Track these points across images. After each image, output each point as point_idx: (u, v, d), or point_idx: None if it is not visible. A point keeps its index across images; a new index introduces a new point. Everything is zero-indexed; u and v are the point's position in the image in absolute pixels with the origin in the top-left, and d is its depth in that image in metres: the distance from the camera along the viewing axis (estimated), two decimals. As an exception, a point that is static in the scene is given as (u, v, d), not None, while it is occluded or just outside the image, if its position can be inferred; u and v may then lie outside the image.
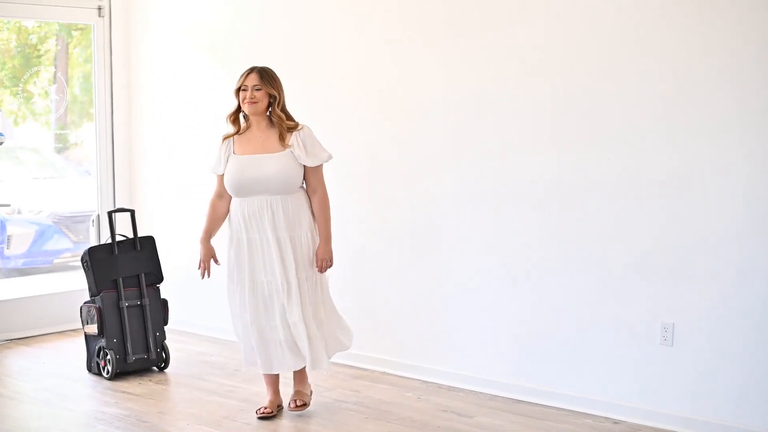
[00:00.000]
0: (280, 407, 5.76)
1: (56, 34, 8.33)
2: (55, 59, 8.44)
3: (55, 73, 8.35)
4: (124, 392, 6.20)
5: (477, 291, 6.18)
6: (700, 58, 5.24)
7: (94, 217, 8.05)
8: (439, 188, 6.31)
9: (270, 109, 5.59)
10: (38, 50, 8.31)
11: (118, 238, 6.69)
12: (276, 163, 5.50)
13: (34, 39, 8.27)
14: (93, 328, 6.51)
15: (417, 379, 6.41)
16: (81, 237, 8.63)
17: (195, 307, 7.76)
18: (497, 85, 6.01)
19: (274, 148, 5.54)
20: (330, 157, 5.63)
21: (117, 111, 8.04)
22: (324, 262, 5.63)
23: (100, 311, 6.47)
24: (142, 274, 6.70)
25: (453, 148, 6.24)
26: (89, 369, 6.64)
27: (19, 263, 8.57)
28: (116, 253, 6.62)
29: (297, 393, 5.73)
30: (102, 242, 6.89)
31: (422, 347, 6.47)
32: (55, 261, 8.77)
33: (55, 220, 8.70)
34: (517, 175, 5.97)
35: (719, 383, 5.30)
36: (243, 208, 5.57)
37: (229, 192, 5.61)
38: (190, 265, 7.85)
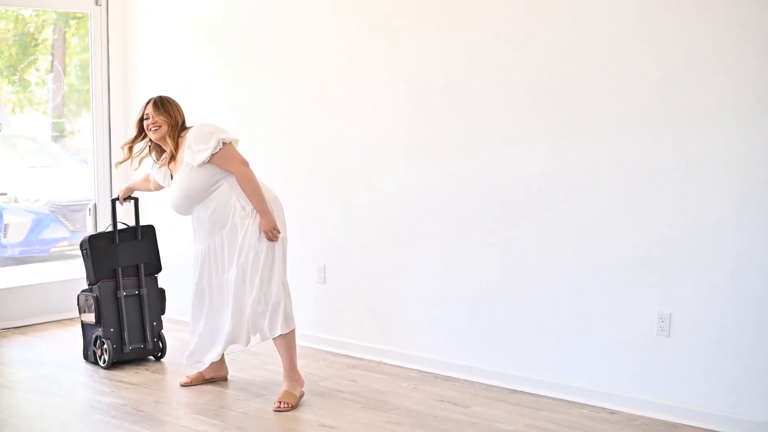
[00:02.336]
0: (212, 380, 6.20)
1: (53, 23, 8.31)
2: (52, 48, 8.42)
3: (53, 61, 8.33)
4: (120, 381, 6.19)
5: (473, 281, 6.18)
6: (699, 51, 5.23)
7: (90, 205, 8.04)
8: (436, 179, 6.30)
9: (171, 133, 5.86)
10: (36, 39, 8.29)
11: (119, 227, 6.66)
12: (179, 181, 5.80)
13: (31, 28, 8.25)
14: (90, 317, 6.49)
15: (413, 369, 6.41)
16: (78, 226, 8.62)
17: (185, 294, 7.74)
18: (491, 75, 6.00)
19: (180, 164, 5.81)
20: (219, 143, 5.70)
21: (114, 100, 8.02)
22: (269, 233, 5.70)
23: (97, 300, 6.44)
24: (141, 264, 6.66)
25: (449, 139, 6.23)
26: (86, 357, 6.63)
27: (15, 252, 8.55)
28: (117, 242, 6.56)
29: (285, 394, 5.72)
30: (102, 230, 6.81)
31: (418, 337, 6.46)
32: (52, 250, 8.76)
33: (52, 209, 8.68)
34: (513, 166, 5.96)
35: (716, 373, 5.30)
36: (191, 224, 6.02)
37: None
38: (185, 254, 7.86)
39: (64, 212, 8.72)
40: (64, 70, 8.34)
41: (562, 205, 5.78)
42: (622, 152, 5.55)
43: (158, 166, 5.98)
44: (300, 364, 5.95)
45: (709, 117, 5.22)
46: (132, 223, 6.80)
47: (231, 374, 6.28)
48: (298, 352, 5.95)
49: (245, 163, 5.73)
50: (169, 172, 5.91)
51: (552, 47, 5.77)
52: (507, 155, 5.99)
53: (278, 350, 5.79)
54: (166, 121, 5.81)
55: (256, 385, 6.07)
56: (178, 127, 5.85)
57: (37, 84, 8.22)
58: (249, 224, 5.70)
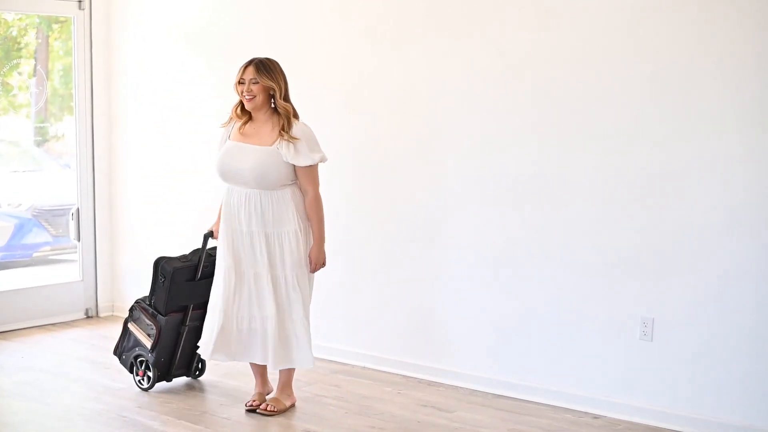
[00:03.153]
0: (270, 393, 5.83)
1: (36, 27, 8.29)
2: (35, 52, 8.39)
3: (35, 66, 8.30)
4: (104, 387, 6.17)
5: (458, 286, 6.18)
6: (685, 58, 5.25)
7: (73, 210, 8.02)
8: (419, 183, 6.30)
9: (273, 102, 5.45)
10: (18, 43, 8.26)
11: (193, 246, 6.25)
12: (255, 157, 5.37)
13: (14, 32, 8.22)
14: (144, 338, 6.04)
15: (397, 374, 6.41)
16: (61, 231, 8.60)
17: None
18: (480, 80, 6.01)
19: (262, 140, 5.41)
20: (322, 159, 5.45)
21: (97, 104, 8.00)
22: (316, 264, 5.53)
23: (160, 331, 5.97)
24: None
25: (436, 143, 6.23)
26: (118, 356, 6.24)
27: (-2, 257, 8.54)
28: (198, 278, 6.05)
29: (274, 399, 5.69)
30: (185, 257, 6.13)
31: (402, 342, 6.46)
32: (35, 255, 8.73)
33: (35, 214, 8.65)
34: (499, 170, 5.97)
35: (698, 378, 5.32)
36: (227, 196, 5.54)
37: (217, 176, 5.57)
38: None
39: (47, 217, 8.69)
40: (47, 74, 8.31)
41: (546, 209, 5.79)
42: (607, 157, 5.56)
43: (227, 125, 5.62)
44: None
45: (692, 123, 5.24)
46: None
47: (215, 379, 6.27)
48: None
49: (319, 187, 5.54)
50: (229, 133, 5.56)
51: (539, 51, 5.78)
52: (490, 158, 5.99)
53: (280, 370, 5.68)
54: (268, 87, 5.40)
55: (240, 390, 6.05)
56: (282, 96, 5.42)
57: (19, 88, 8.20)
58: (301, 242, 5.44)
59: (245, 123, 5.50)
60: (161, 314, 5.96)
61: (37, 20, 8.24)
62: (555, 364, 5.82)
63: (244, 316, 5.51)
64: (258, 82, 5.37)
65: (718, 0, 5.13)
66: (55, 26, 8.28)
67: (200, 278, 6.02)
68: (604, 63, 5.52)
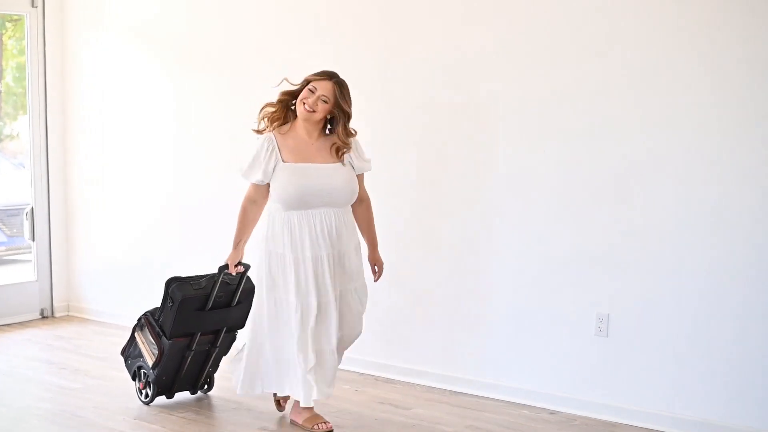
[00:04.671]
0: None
1: (-10, 25, 8.23)
2: (-12, 50, 8.33)
3: (-11, 64, 8.23)
4: (59, 387, 6.12)
5: (413, 282, 6.19)
6: (663, 54, 5.27)
7: (27, 210, 7.96)
8: (380, 183, 6.30)
9: (330, 124, 5.19)
10: (-29, 41, 8.20)
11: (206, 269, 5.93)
12: (342, 174, 5.11)
13: (-33, 30, 8.16)
14: (146, 353, 5.73)
15: (353, 371, 6.41)
16: (15, 230, 8.53)
17: (128, 300, 7.71)
18: (456, 83, 6.02)
19: (331, 158, 5.13)
20: (371, 165, 5.33)
21: (51, 103, 7.95)
22: (381, 269, 5.44)
23: (162, 354, 5.65)
24: (225, 327, 5.84)
25: (384, 139, 6.24)
26: (125, 359, 5.95)
27: (-49, 257, 8.47)
28: (208, 308, 5.68)
29: (316, 415, 5.33)
30: (196, 284, 5.70)
31: (358, 340, 6.45)
32: (-11, 255, 8.67)
33: (-11, 213, 8.59)
34: (458, 166, 5.98)
35: (653, 373, 5.35)
36: (305, 222, 5.07)
37: (284, 203, 5.06)
38: (124, 258, 7.82)
39: (1, 217, 8.62)
40: (0, 72, 8.24)
41: (502, 206, 5.81)
42: (563, 155, 5.59)
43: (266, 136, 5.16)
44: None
45: (649, 121, 5.27)
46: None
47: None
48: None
49: None
50: (274, 152, 5.10)
51: (516, 49, 5.80)
52: (450, 157, 6.00)
53: None
54: (333, 112, 5.10)
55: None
56: (346, 119, 5.12)
57: (-28, 87, 8.13)
58: (360, 253, 5.28)
59: (283, 134, 5.14)
60: (166, 337, 5.62)
61: (-10, 18, 8.17)
62: (511, 360, 5.84)
63: (324, 343, 5.16)
64: (328, 102, 5.07)
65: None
66: (8, 24, 8.21)
67: (211, 308, 5.67)
68: (575, 58, 5.54)
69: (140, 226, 7.66)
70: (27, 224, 7.97)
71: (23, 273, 8.14)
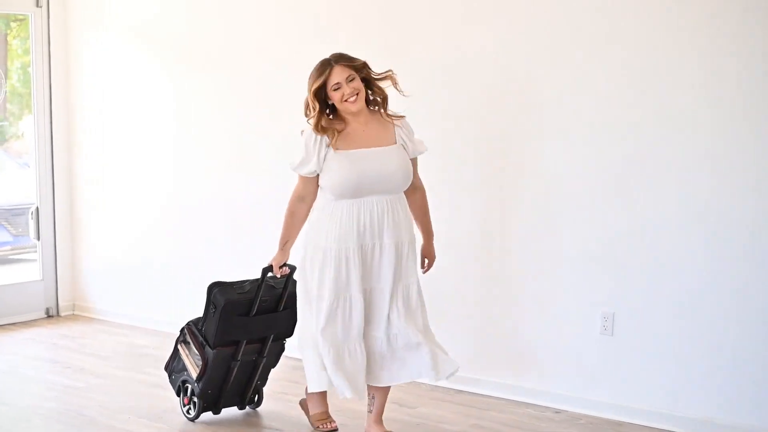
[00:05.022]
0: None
1: (-6, 25, 8.23)
2: (-7, 50, 8.34)
3: (-6, 64, 8.24)
4: (64, 386, 6.12)
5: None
6: (657, 54, 5.27)
7: (33, 209, 7.96)
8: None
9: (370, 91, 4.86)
10: (-24, 41, 8.21)
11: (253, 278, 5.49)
12: (397, 157, 4.79)
13: (-29, 30, 8.16)
14: (190, 365, 5.42)
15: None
16: (21, 230, 8.53)
17: (133, 299, 7.72)
18: (440, 74, 6.02)
19: (384, 140, 4.83)
20: (424, 146, 4.99)
21: (56, 103, 7.95)
22: (433, 261, 5.17)
23: (206, 364, 5.33)
24: (272, 335, 5.50)
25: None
26: (166, 371, 5.67)
27: (-43, 256, 8.47)
28: (253, 314, 5.34)
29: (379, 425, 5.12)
30: (239, 288, 5.39)
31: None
32: (-5, 254, 8.68)
33: (-6, 213, 8.59)
34: (458, 166, 5.97)
35: (658, 372, 5.34)
36: (355, 211, 4.76)
37: (336, 192, 4.74)
38: (129, 257, 7.83)
39: (6, 216, 8.61)
40: (5, 72, 8.24)
41: (506, 205, 5.80)
42: (568, 156, 5.58)
43: (320, 144, 4.78)
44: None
45: (652, 123, 5.27)
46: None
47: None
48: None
49: None
50: (324, 148, 4.77)
51: (516, 49, 5.80)
52: (453, 155, 6.00)
53: (381, 393, 5.08)
54: (364, 77, 4.81)
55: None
56: (373, 78, 4.84)
57: (-23, 87, 8.13)
58: (415, 246, 4.94)
59: (341, 131, 4.79)
60: (209, 346, 5.31)
61: (-5, 18, 8.18)
62: (517, 359, 5.83)
63: (381, 336, 4.86)
64: (354, 78, 4.76)
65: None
66: (13, 24, 8.21)
67: (256, 313, 5.34)
68: (573, 55, 5.53)
69: (143, 225, 7.66)
70: (32, 224, 7.97)
71: (28, 272, 8.14)
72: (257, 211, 6.94)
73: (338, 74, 4.73)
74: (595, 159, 5.46)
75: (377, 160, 4.75)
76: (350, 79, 4.73)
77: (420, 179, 4.99)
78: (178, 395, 5.54)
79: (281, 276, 5.13)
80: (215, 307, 5.26)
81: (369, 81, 4.83)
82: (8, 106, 8.35)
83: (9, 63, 8.35)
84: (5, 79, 8.20)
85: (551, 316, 5.69)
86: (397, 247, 4.80)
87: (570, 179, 5.57)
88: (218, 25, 7.08)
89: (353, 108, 4.74)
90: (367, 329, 4.86)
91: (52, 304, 8.08)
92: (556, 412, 5.62)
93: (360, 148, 4.76)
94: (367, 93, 4.84)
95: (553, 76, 5.58)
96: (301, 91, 6.60)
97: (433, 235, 5.11)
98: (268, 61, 6.80)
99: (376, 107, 4.90)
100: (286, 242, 4.98)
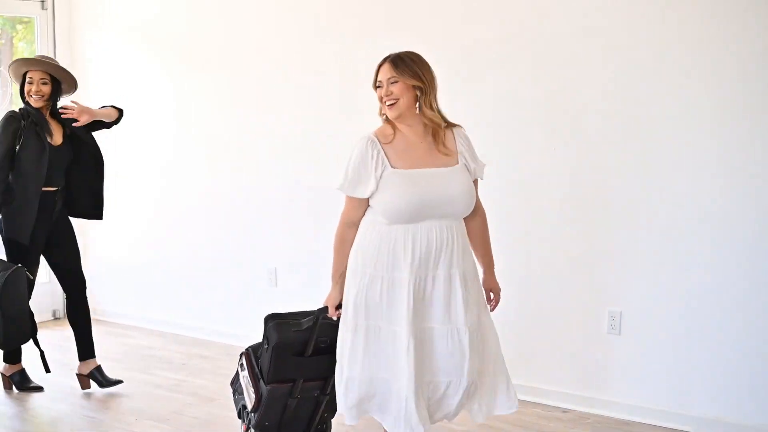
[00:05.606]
0: None
1: (0, 28, 8.23)
2: (-1, 53, 8.35)
3: (-1, 67, 8.25)
4: (71, 388, 6.12)
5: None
6: (656, 54, 5.26)
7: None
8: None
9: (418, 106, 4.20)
10: (-19, 44, 8.22)
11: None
12: (461, 180, 4.18)
13: (-23, 33, 8.17)
14: (246, 393, 4.83)
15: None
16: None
17: (140, 301, 7.72)
18: (442, 74, 6.01)
19: (446, 159, 4.20)
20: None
21: (61, 104, 7.93)
22: (499, 296, 4.58)
23: (260, 399, 4.73)
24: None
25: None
26: (231, 386, 5.11)
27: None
28: (309, 353, 4.65)
29: None
30: (295, 324, 4.70)
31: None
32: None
33: (0, 216, 8.56)
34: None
35: (666, 371, 5.33)
36: (410, 238, 4.12)
37: (391, 217, 4.12)
38: (134, 259, 7.83)
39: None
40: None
41: (514, 205, 5.79)
42: (572, 154, 5.57)
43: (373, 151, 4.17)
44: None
45: (660, 123, 5.26)
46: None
47: (181, 378, 6.24)
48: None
49: None
50: (381, 161, 4.14)
51: (516, 49, 5.79)
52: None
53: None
54: (413, 85, 4.16)
55: (208, 389, 6.02)
56: (429, 95, 4.19)
57: (-17, 89, 8.14)
58: (477, 276, 4.36)
59: (389, 142, 4.19)
60: (264, 381, 4.70)
61: (1, 21, 8.18)
62: (524, 358, 5.82)
63: (441, 381, 4.22)
64: (398, 81, 4.16)
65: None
66: (18, 27, 8.22)
67: (313, 353, 4.65)
68: (571, 60, 5.53)
69: (145, 226, 7.67)
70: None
71: (35, 275, 8.14)
72: (258, 210, 6.95)
73: (383, 72, 4.20)
74: (602, 158, 5.45)
75: (440, 184, 4.14)
76: (392, 81, 4.16)
77: (480, 202, 4.41)
78: (239, 417, 5.00)
79: (338, 317, 4.39)
80: (268, 343, 4.69)
81: (424, 98, 4.19)
82: (13, 108, 8.36)
83: (15, 65, 8.37)
84: (11, 81, 8.21)
85: (558, 315, 5.68)
86: (460, 278, 4.18)
87: (578, 178, 5.56)
88: (218, 25, 7.08)
89: (389, 113, 4.17)
90: (418, 374, 4.14)
91: (59, 306, 8.08)
92: (564, 412, 5.61)
93: (420, 167, 4.15)
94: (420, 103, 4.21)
95: (558, 75, 5.57)
96: (301, 91, 6.67)
97: (494, 266, 4.54)
98: (268, 61, 6.81)
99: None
100: (338, 276, 4.35)
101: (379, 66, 4.22)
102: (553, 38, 5.57)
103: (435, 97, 4.20)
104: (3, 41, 8.32)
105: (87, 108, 5.97)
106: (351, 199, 4.22)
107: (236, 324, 7.07)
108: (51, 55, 7.89)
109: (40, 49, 7.85)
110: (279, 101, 6.75)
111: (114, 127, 6.19)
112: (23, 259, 5.76)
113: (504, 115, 5.79)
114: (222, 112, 7.13)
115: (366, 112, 6.00)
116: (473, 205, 4.25)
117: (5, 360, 6.17)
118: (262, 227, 6.94)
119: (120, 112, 6.17)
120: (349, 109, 6.42)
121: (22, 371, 6.16)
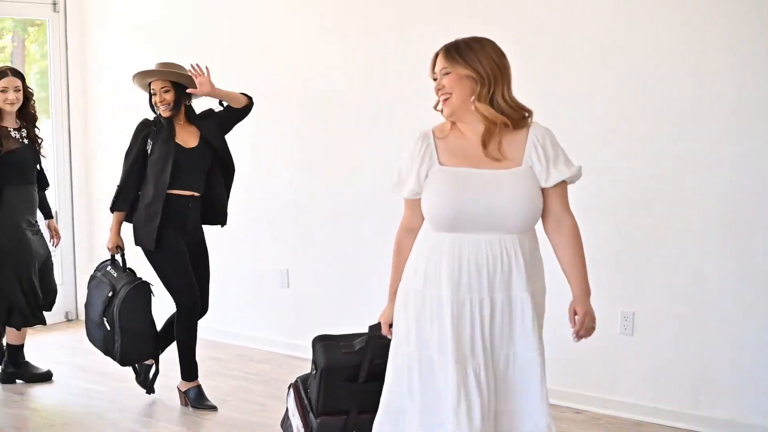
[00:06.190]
0: None
1: (12, 31, 8.25)
2: (11, 56, 8.36)
3: (12, 69, 8.26)
4: (84, 390, 6.14)
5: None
6: (662, 56, 5.26)
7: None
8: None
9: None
10: (-6, 47, 8.24)
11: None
12: (514, 186, 3.53)
13: (-11, 35, 8.20)
14: (295, 427, 4.31)
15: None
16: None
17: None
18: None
19: (504, 159, 3.58)
20: (580, 172, 3.76)
21: (73, 106, 7.96)
22: (590, 328, 3.89)
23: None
24: None
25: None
26: (282, 426, 4.50)
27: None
28: (363, 379, 4.13)
29: None
30: (346, 345, 4.17)
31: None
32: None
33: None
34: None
35: (678, 371, 5.33)
36: (456, 250, 3.55)
37: (431, 220, 3.59)
38: (144, 259, 7.84)
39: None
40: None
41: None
42: (586, 155, 5.56)
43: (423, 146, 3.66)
44: (265, 369, 5.93)
45: (672, 123, 5.25)
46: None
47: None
48: (266, 356, 5.90)
49: None
50: (429, 157, 3.63)
51: (517, 49, 5.78)
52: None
53: None
54: (467, 76, 3.57)
55: (220, 390, 6.03)
56: (488, 87, 3.56)
57: (-5, 92, 8.14)
58: (538, 304, 3.83)
59: (443, 137, 3.67)
60: (314, 413, 4.20)
61: (12, 23, 8.20)
62: (536, 359, 5.82)
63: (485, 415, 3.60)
64: (450, 72, 3.60)
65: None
66: (30, 29, 8.24)
67: (366, 380, 4.13)
68: (579, 63, 5.52)
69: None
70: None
71: (48, 277, 8.15)
72: (270, 212, 6.95)
73: (438, 62, 3.66)
74: (614, 159, 5.44)
75: (484, 188, 3.52)
76: (445, 72, 3.60)
77: (568, 210, 3.76)
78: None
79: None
80: (316, 368, 4.19)
81: (480, 90, 3.57)
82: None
83: (27, 68, 8.38)
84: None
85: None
86: (510, 304, 3.66)
87: (590, 179, 5.55)
88: (223, 25, 7.09)
89: (443, 111, 3.64)
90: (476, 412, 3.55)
91: (72, 308, 8.10)
92: (577, 413, 5.61)
93: (469, 167, 3.57)
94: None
95: (560, 75, 5.56)
96: (305, 91, 6.68)
97: (589, 290, 3.91)
98: (272, 61, 6.82)
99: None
100: (395, 290, 3.75)
101: (435, 55, 3.67)
102: (561, 38, 5.57)
103: (501, 90, 3.57)
104: (15, 44, 8.34)
105: (212, 84, 5.66)
106: (405, 201, 3.72)
107: (248, 326, 7.08)
108: (63, 59, 7.91)
109: (52, 52, 7.86)
110: (284, 101, 6.75)
111: (245, 118, 5.94)
112: (171, 268, 5.78)
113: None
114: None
115: (371, 111, 6.05)
116: (537, 217, 3.63)
117: (183, 377, 5.83)
118: (274, 229, 6.94)
119: (249, 99, 5.86)
120: (354, 110, 6.42)
121: (199, 387, 5.82)
